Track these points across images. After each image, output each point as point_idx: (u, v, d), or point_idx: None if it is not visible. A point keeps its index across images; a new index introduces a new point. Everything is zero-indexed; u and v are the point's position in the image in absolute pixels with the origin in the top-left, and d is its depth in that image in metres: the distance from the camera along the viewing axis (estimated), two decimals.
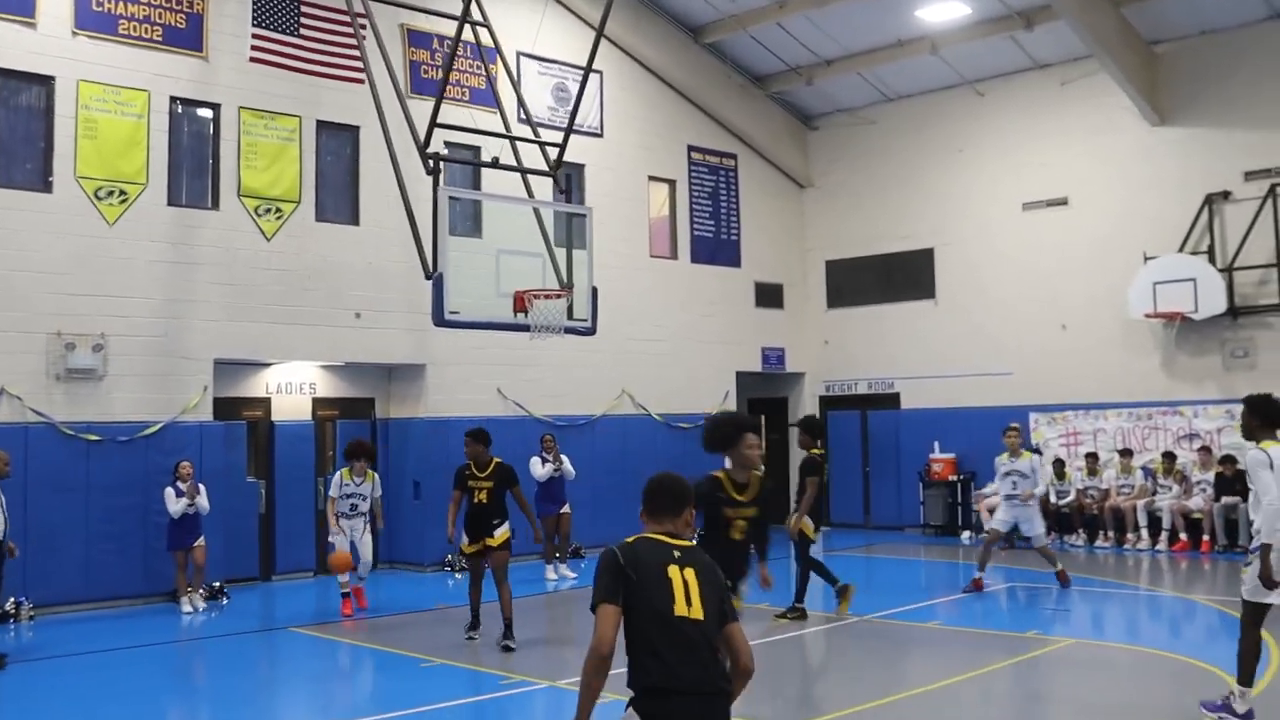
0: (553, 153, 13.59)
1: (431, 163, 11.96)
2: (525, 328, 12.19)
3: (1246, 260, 16.46)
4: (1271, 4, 16.17)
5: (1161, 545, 16.34)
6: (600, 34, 13.47)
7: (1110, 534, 16.95)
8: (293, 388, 16.02)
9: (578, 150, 16.43)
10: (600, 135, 18.48)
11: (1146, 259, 17.10)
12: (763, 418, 18.22)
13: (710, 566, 4.22)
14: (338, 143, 15.76)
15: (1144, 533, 16.55)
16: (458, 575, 15.48)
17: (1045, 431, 18.37)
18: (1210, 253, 16.70)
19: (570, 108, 14.10)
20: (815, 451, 12.10)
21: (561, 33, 17.82)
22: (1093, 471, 17.39)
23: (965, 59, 18.84)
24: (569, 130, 13.47)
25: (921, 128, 20.15)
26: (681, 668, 3.97)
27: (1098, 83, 17.88)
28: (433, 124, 12.05)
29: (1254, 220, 16.33)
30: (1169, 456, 16.86)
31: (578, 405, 17.83)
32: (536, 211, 13.28)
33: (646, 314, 18.93)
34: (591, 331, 13.22)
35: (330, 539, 12.89)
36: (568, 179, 14.70)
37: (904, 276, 20.45)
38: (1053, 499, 17.55)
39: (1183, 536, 16.29)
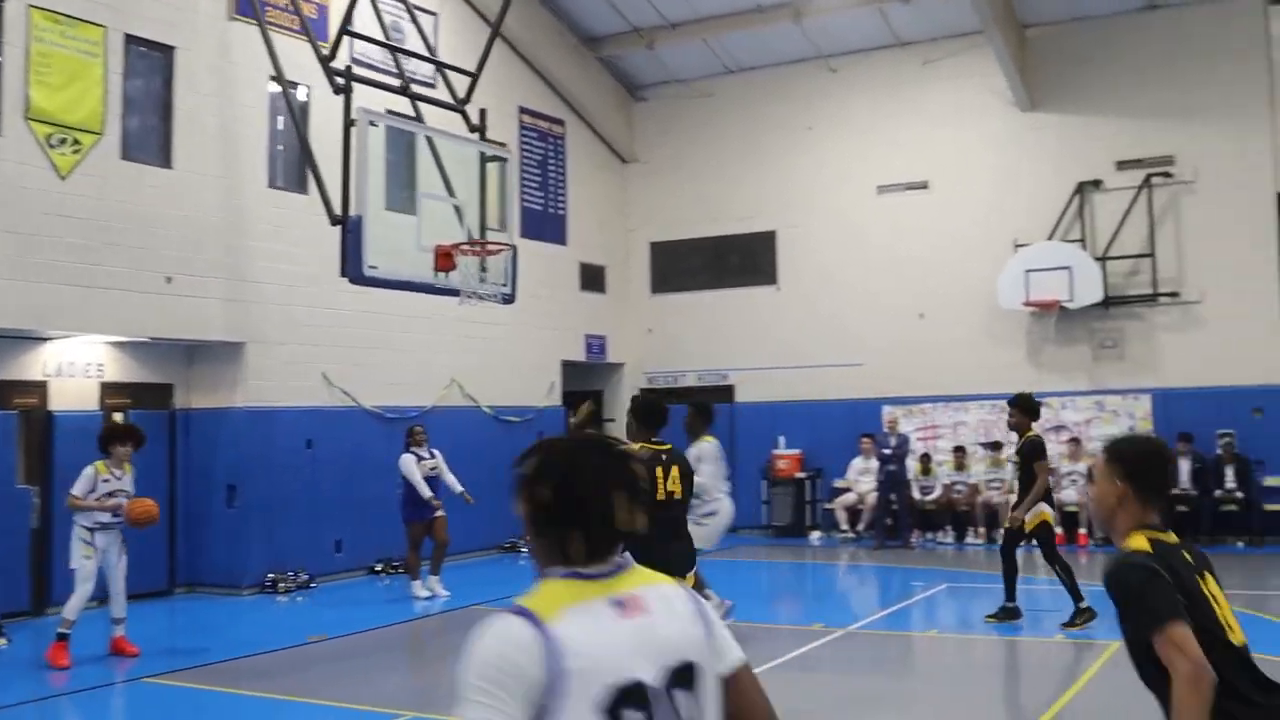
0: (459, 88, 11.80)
1: (341, 80, 9.94)
2: (453, 291, 10.41)
3: (1117, 250, 16.73)
4: None
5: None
6: None
7: (982, 530, 16.82)
8: (75, 369, 13.02)
9: (406, 102, 14.38)
10: (433, 86, 16.55)
11: (1017, 247, 17.14)
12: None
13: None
14: (150, 65, 13.10)
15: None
16: (281, 598, 13.32)
17: (902, 425, 18.06)
18: (1082, 242, 16.89)
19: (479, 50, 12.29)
20: (1032, 434, 10.57)
21: None
22: (960, 466, 17.22)
23: (823, 32, 18.24)
24: (483, 60, 11.72)
25: (765, 103, 19.43)
26: None
27: (962, 64, 17.78)
28: (342, 31, 10.02)
29: (1128, 211, 16.63)
30: (995, 447, 16.98)
31: (408, 395, 15.82)
32: (436, 153, 11.45)
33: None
34: (510, 299, 11.56)
35: (73, 564, 9.77)
36: (481, 115, 12.82)
37: (742, 261, 19.66)
38: (917, 495, 17.32)
39: (1059, 530, 16.38)
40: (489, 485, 16.23)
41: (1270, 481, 15.54)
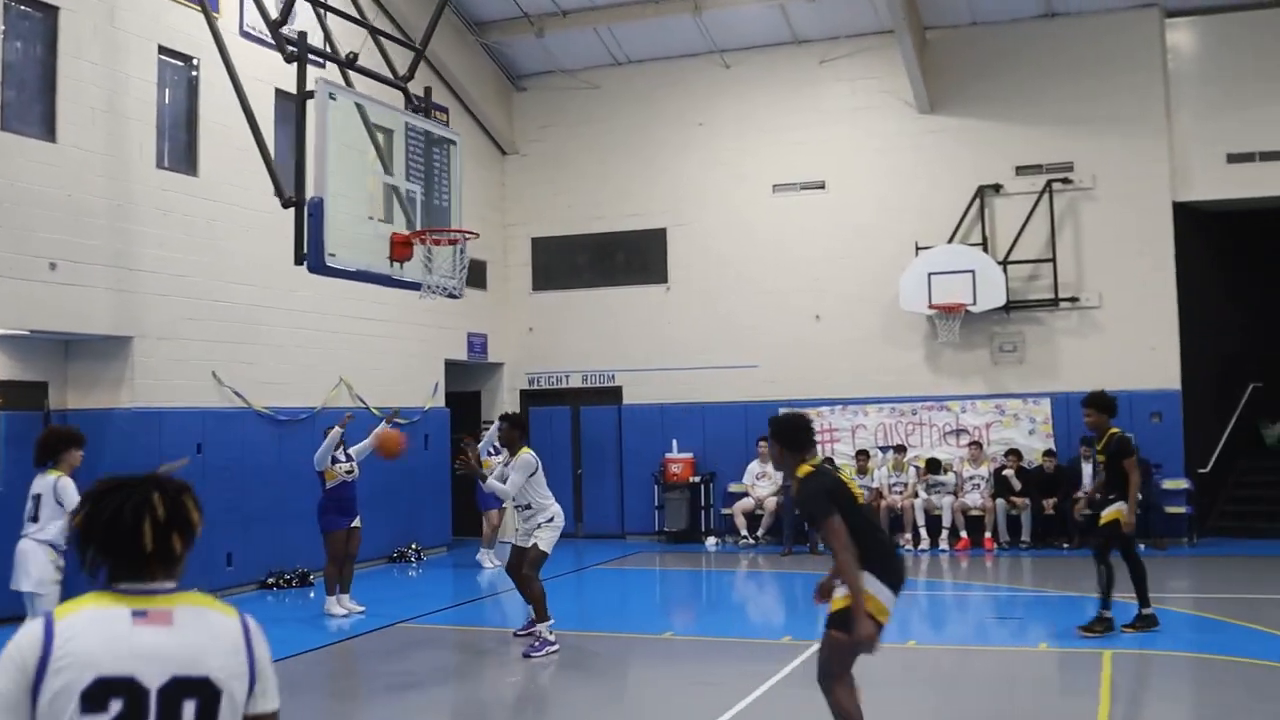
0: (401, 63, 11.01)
1: (293, 49, 9.08)
2: (412, 285, 9.68)
3: (1018, 254, 17.06)
4: (1047, 2, 17.04)
5: (943, 544, 16.63)
6: None
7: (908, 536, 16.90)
8: None
9: (289, 76, 13.29)
10: (323, 66, 15.55)
11: (919, 249, 17.35)
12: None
13: None
14: (32, 27, 11.77)
15: (923, 532, 16.74)
16: None
17: None
18: (984, 245, 17.21)
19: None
20: (1115, 431, 10.30)
21: None
22: (863, 470, 17.27)
23: (720, 26, 18.00)
24: (430, 31, 10.97)
25: (654, 97, 19.07)
26: None
27: (859, 64, 17.89)
28: None
29: (1029, 215, 17.00)
30: (899, 450, 17.19)
31: (298, 396, 14.86)
32: (373, 138, 10.65)
33: (363, 288, 16.23)
34: (458, 294, 10.90)
35: (37, 589, 8.25)
36: (426, 92, 12.01)
37: (630, 259, 19.27)
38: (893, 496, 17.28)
39: (963, 535, 16.66)
40: (382, 493, 15.49)
41: (1169, 485, 16.14)
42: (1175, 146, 16.69)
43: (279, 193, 9.50)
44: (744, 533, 17.49)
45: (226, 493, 13.40)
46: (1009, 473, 16.43)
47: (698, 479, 18.22)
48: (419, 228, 10.50)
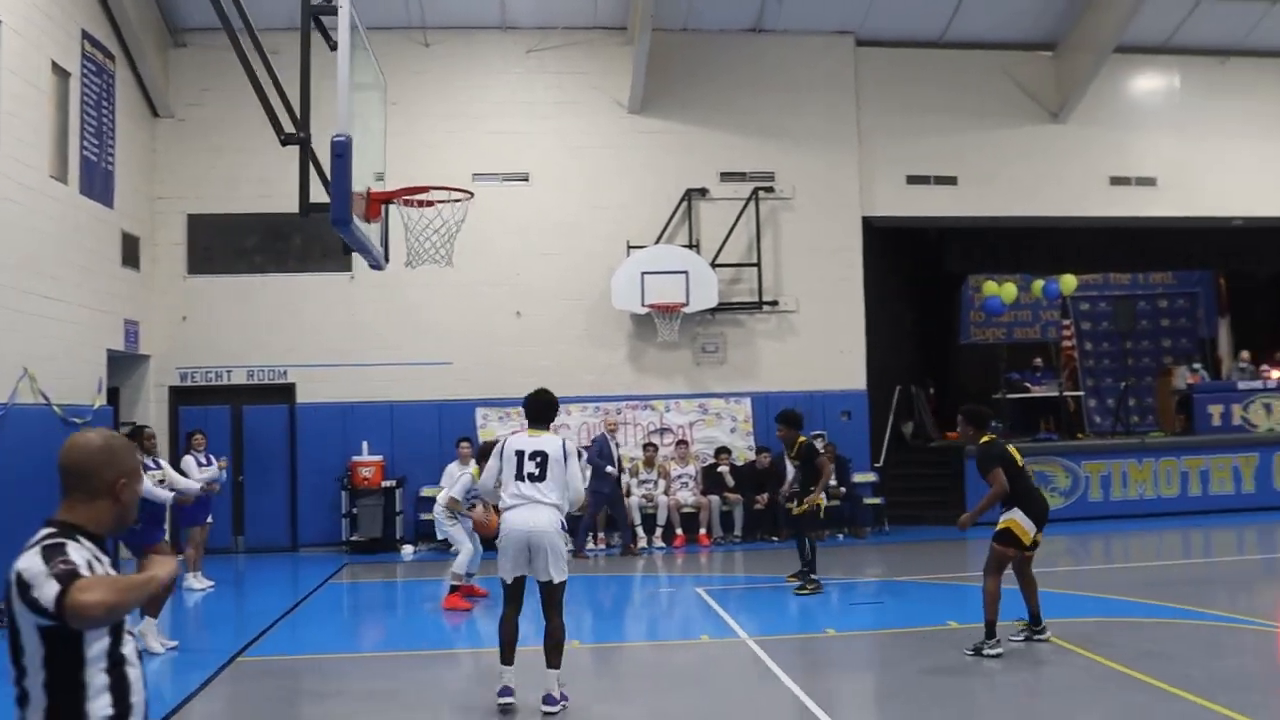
0: None
1: None
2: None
3: (723, 258, 18.20)
4: (757, 17, 18.45)
5: (659, 541, 17.31)
6: None
7: (601, 535, 17.32)
8: None
9: None
10: None
11: (630, 249, 18.05)
12: None
13: None
14: None
15: (640, 530, 17.38)
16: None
17: (496, 428, 18.05)
18: (693, 248, 18.20)
19: None
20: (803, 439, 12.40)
21: None
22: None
23: (427, 0, 17.82)
24: None
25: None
26: None
27: (568, 58, 18.34)
28: None
29: (736, 221, 18.25)
30: (649, 448, 17.94)
31: None
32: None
33: (42, 261, 14.32)
34: (378, 265, 10.11)
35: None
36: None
37: (308, 243, 18.23)
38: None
39: (679, 532, 17.49)
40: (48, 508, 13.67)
41: (859, 478, 18.04)
42: (864, 165, 18.76)
43: (278, 131, 8.38)
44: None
45: None
46: (724, 469, 17.58)
47: (390, 483, 17.75)
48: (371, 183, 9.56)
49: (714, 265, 18.06)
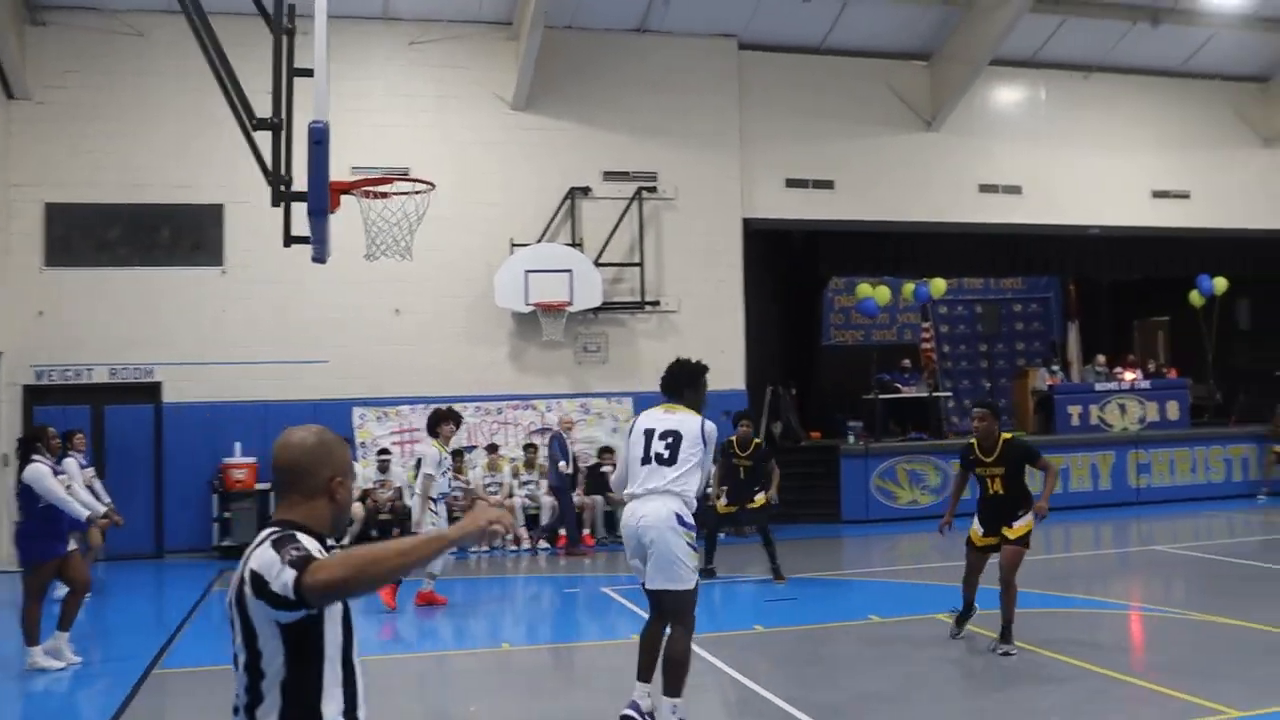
0: None
1: None
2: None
3: (606, 257, 18.31)
4: (642, 17, 18.56)
5: (544, 542, 17.34)
6: None
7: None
8: None
9: None
10: None
11: (514, 246, 18.01)
12: None
13: None
14: None
15: (524, 530, 17.36)
16: None
17: (374, 429, 17.86)
18: (577, 247, 18.26)
19: None
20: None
21: None
22: (458, 471, 17.54)
23: None
24: None
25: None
26: None
27: (450, 52, 18.21)
28: None
29: (620, 220, 18.40)
30: (530, 448, 17.93)
31: None
32: None
33: None
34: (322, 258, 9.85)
35: None
36: None
37: (177, 236, 17.74)
38: (410, 501, 17.29)
39: (561, 532, 17.53)
40: None
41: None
42: (746, 167, 19.12)
43: (248, 116, 8.06)
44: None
45: None
46: (608, 470, 17.67)
47: (265, 486, 17.33)
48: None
49: (597, 264, 18.19)
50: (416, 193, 9.92)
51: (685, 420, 7.17)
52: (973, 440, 9.83)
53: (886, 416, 21.60)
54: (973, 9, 19.08)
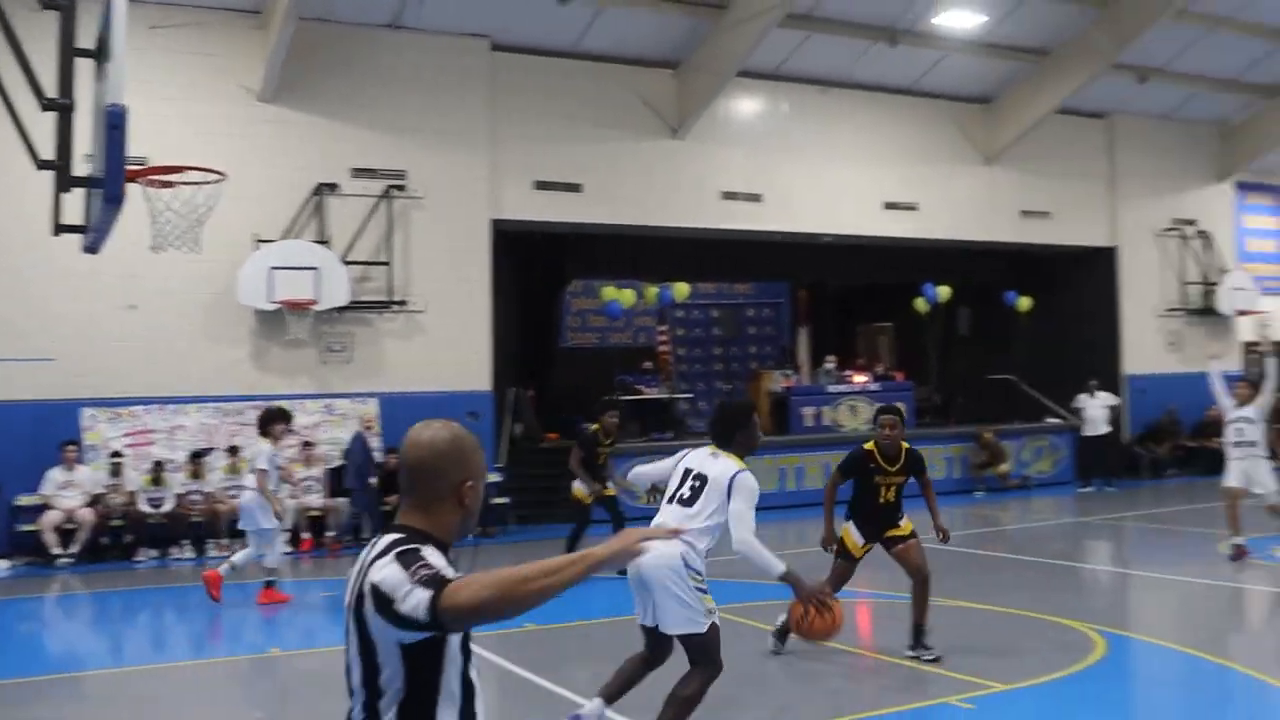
0: None
1: None
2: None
3: (353, 256, 18.18)
4: (395, 13, 18.44)
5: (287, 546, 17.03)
6: None
7: (226, 541, 16.84)
8: None
9: None
10: None
11: (259, 242, 17.62)
12: None
13: None
14: None
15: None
16: None
17: (106, 430, 17.16)
18: (325, 244, 17.99)
19: None
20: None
21: None
22: (196, 474, 17.08)
23: None
24: None
25: None
26: None
27: (193, 38, 17.62)
28: None
29: (368, 218, 18.26)
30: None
31: None
32: None
33: None
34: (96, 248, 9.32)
35: None
36: None
37: None
38: (145, 506, 16.78)
39: (306, 536, 17.31)
40: None
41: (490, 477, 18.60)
42: (495, 168, 19.27)
43: (39, 94, 7.53)
44: (57, 549, 16.27)
45: None
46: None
47: None
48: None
49: (344, 262, 18.04)
50: (206, 183, 9.75)
51: (719, 466, 7.07)
52: (870, 447, 9.76)
53: (631, 417, 22.18)
54: (722, 21, 19.73)
